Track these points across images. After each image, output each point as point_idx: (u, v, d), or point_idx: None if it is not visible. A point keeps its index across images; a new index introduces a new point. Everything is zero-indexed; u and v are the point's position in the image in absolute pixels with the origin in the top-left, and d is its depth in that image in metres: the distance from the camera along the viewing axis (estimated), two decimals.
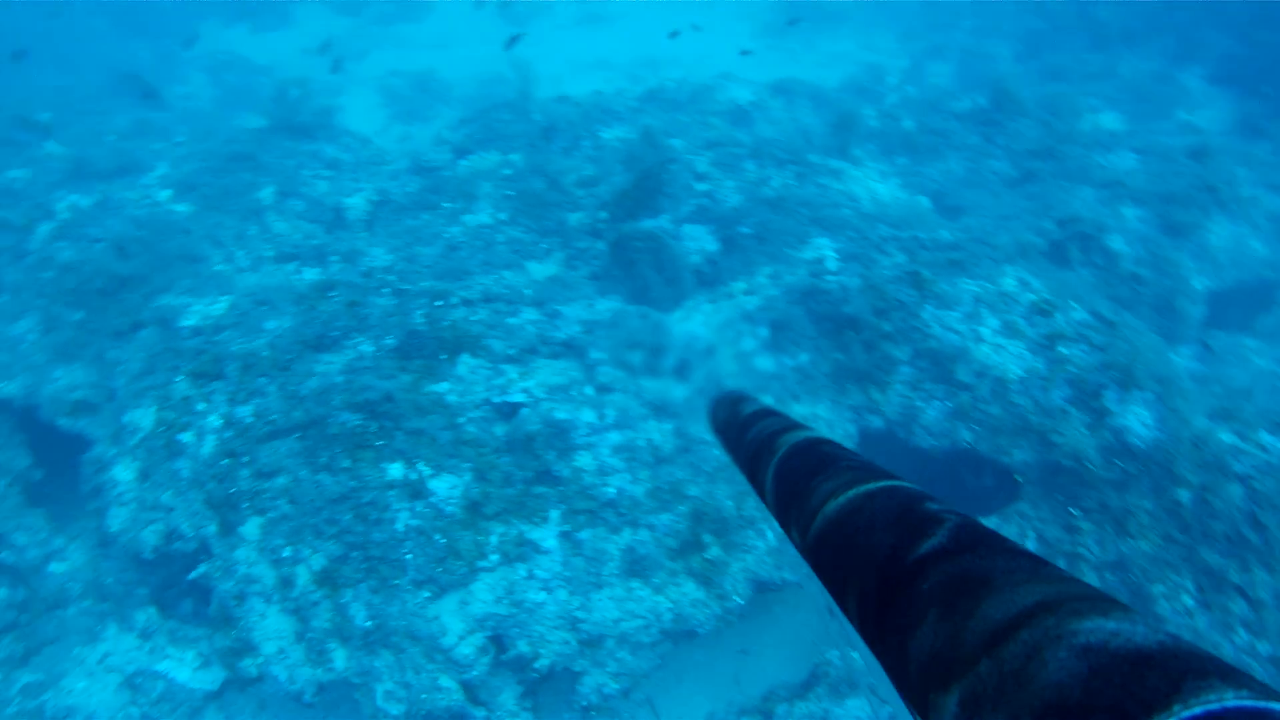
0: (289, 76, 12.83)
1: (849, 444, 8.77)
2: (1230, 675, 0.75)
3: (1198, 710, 0.72)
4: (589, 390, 8.40)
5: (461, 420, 7.78)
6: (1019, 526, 8.14)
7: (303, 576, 7.43)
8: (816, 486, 1.55)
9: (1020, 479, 8.22)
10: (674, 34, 18.20)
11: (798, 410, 8.66)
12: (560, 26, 24.42)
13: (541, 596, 7.20)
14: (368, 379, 7.79)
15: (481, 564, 7.26)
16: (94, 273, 9.41)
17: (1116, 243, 11.06)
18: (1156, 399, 8.11)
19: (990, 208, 12.23)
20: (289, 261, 10.44)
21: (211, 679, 8.26)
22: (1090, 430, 8.01)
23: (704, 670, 8.07)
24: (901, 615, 1.11)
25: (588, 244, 10.50)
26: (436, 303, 8.79)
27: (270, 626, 7.51)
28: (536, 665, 7.04)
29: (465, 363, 8.31)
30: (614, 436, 7.92)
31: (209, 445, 7.87)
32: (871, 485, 1.44)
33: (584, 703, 7.17)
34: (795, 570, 7.68)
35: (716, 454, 7.97)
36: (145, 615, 8.65)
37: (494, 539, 7.31)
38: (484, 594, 7.18)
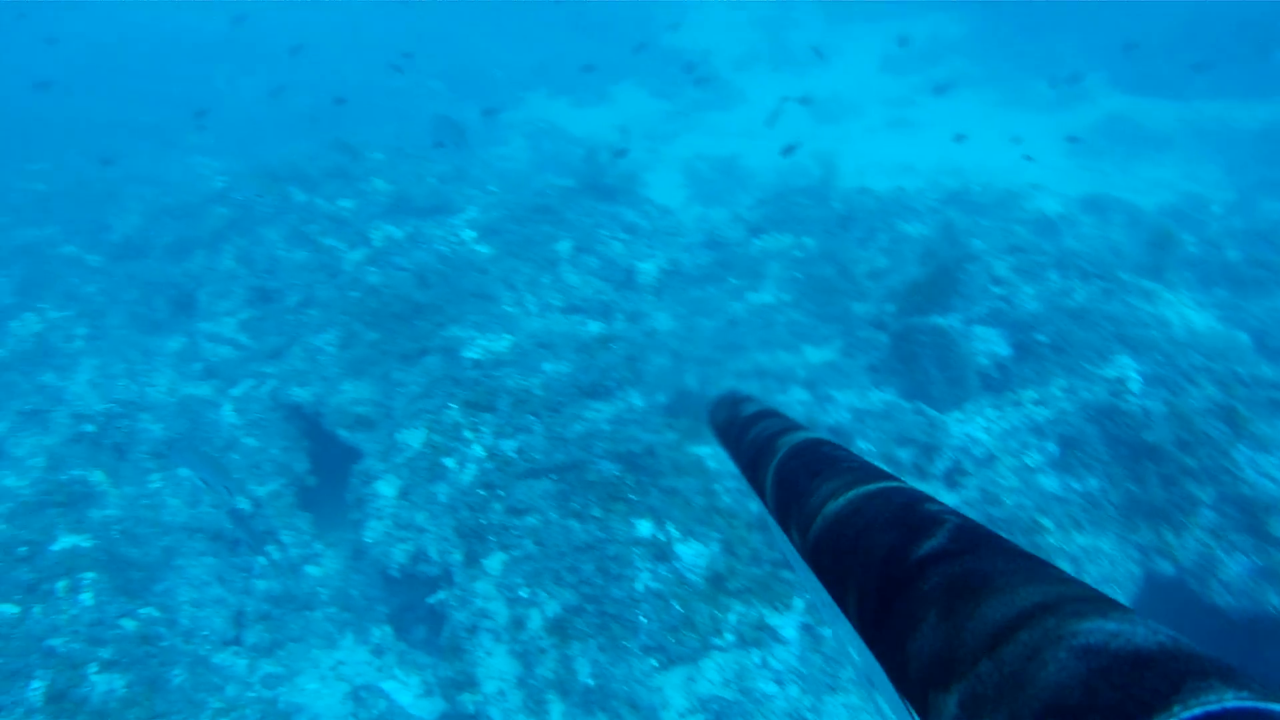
0: (602, 141, 13.43)
1: (1132, 587, 7.82)
2: (1230, 675, 0.75)
3: (1198, 711, 0.71)
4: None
5: (717, 488, 7.51)
6: None
7: (535, 620, 7.32)
8: (817, 487, 1.54)
9: None
10: (1025, 155, 17.54)
11: (1079, 541, 7.78)
12: (869, 129, 24.45)
13: (772, 689, 6.71)
14: (633, 430, 7.72)
15: (715, 641, 6.88)
16: (394, 298, 10.04)
17: None
18: None
19: None
20: (575, 313, 10.73)
21: (430, 709, 8.27)
22: None
23: None
24: (901, 616, 1.10)
25: (869, 335, 10.19)
26: (710, 370, 8.68)
27: (495, 665, 7.43)
28: None
29: None
30: None
31: (469, 474, 8.02)
32: (871, 486, 1.44)
33: None
34: None
35: None
36: (381, 632, 8.85)
37: (732, 617, 6.92)
38: (713, 673, 6.77)
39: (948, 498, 8.08)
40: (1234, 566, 7.34)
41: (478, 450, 8.12)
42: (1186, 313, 10.83)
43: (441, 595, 7.82)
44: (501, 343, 9.32)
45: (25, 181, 18.12)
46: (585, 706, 6.89)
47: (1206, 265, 12.65)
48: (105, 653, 7.61)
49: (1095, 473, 8.13)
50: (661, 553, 7.18)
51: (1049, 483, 8.15)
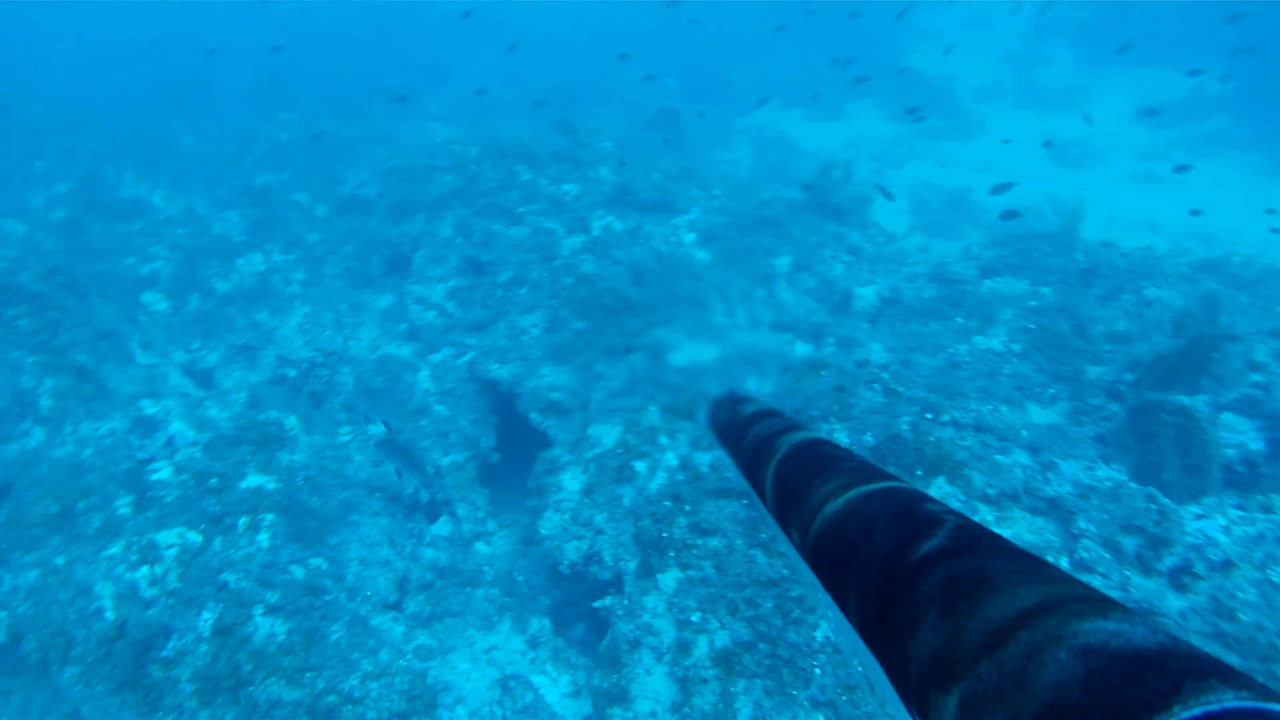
0: (836, 157, 12.86)
1: None
2: (1230, 676, 0.75)
3: (1198, 711, 0.70)
4: (1064, 561, 7.12)
5: None
6: None
7: (702, 648, 6.87)
8: (816, 487, 1.52)
9: None
10: (1273, 227, 15.81)
11: None
12: (1112, 179, 22.81)
13: None
14: None
15: (890, 711, 6.21)
16: (606, 290, 9.81)
17: None
18: None
19: None
20: (784, 331, 10.23)
21: (577, 710, 7.98)
22: None
23: None
24: (901, 616, 1.08)
25: (1101, 402, 9.30)
26: (926, 415, 7.99)
27: (652, 685, 7.02)
28: None
29: (939, 486, 7.40)
30: None
31: (658, 481, 7.63)
32: (871, 486, 1.42)
33: None
34: None
35: None
36: (539, 624, 8.61)
37: None
38: None
39: (1173, 600, 7.19)
40: None
41: (671, 458, 7.72)
42: None
43: (608, 601, 7.48)
44: (708, 352, 8.92)
45: (272, 129, 19.15)
46: None
47: None
48: (272, 596, 7.67)
49: None
50: None
51: None
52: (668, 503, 7.44)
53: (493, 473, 9.90)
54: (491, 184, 13.18)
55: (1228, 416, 8.88)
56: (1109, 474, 8.39)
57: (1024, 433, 8.51)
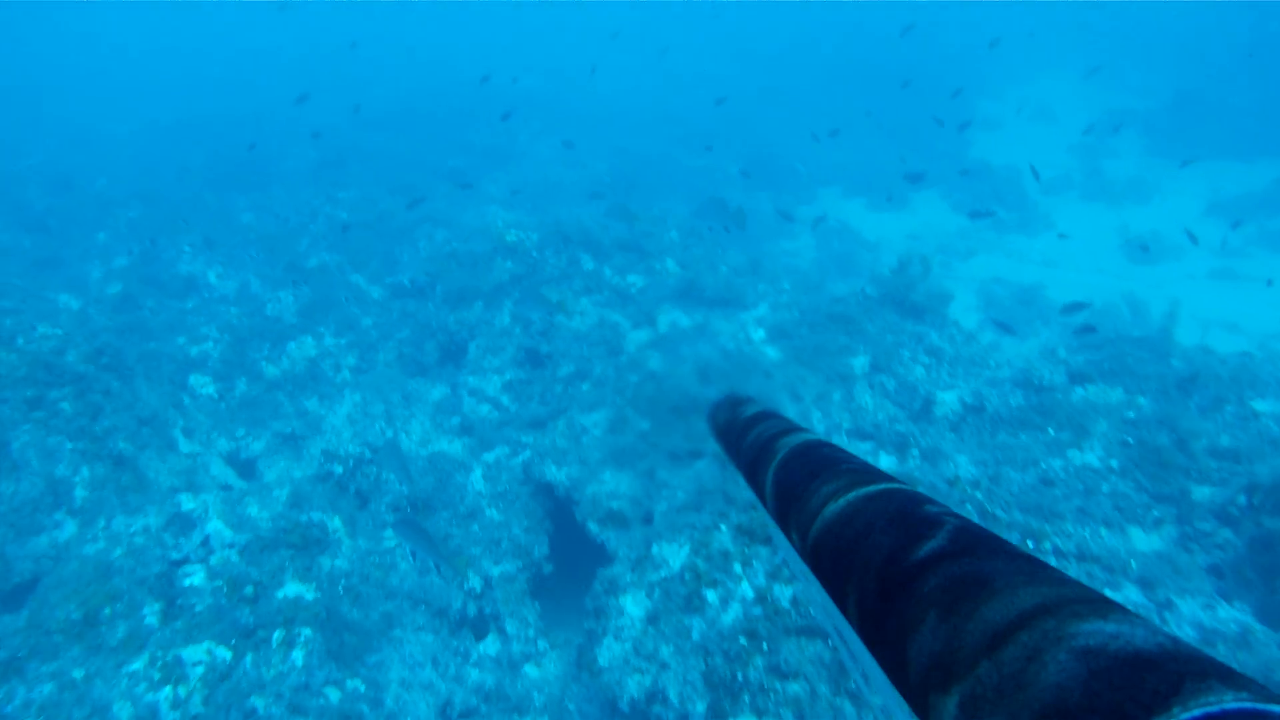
0: (913, 251, 12.20)
1: None
2: (1229, 677, 0.73)
3: (1197, 712, 0.69)
4: None
5: None
6: None
7: None
8: (816, 489, 1.51)
9: None
10: None
11: None
12: (1187, 276, 21.87)
13: None
14: None
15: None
16: (672, 388, 9.18)
17: None
18: None
19: None
20: (865, 440, 9.46)
21: None
22: None
23: None
24: (901, 617, 1.07)
25: (1212, 528, 8.43)
26: (1028, 541, 7.18)
27: None
28: None
29: None
30: None
31: (731, 614, 6.85)
32: (871, 488, 1.40)
33: None
34: None
35: None
36: None
37: None
38: None
39: None
40: None
41: (746, 589, 6.94)
42: None
43: None
44: None
45: (332, 208, 19.00)
46: None
47: None
48: None
49: None
50: None
51: None
52: (743, 640, 6.65)
53: (544, 584, 9.18)
54: (554, 271, 12.69)
55: None
56: (1232, 615, 7.50)
57: (1132, 563, 7.66)
